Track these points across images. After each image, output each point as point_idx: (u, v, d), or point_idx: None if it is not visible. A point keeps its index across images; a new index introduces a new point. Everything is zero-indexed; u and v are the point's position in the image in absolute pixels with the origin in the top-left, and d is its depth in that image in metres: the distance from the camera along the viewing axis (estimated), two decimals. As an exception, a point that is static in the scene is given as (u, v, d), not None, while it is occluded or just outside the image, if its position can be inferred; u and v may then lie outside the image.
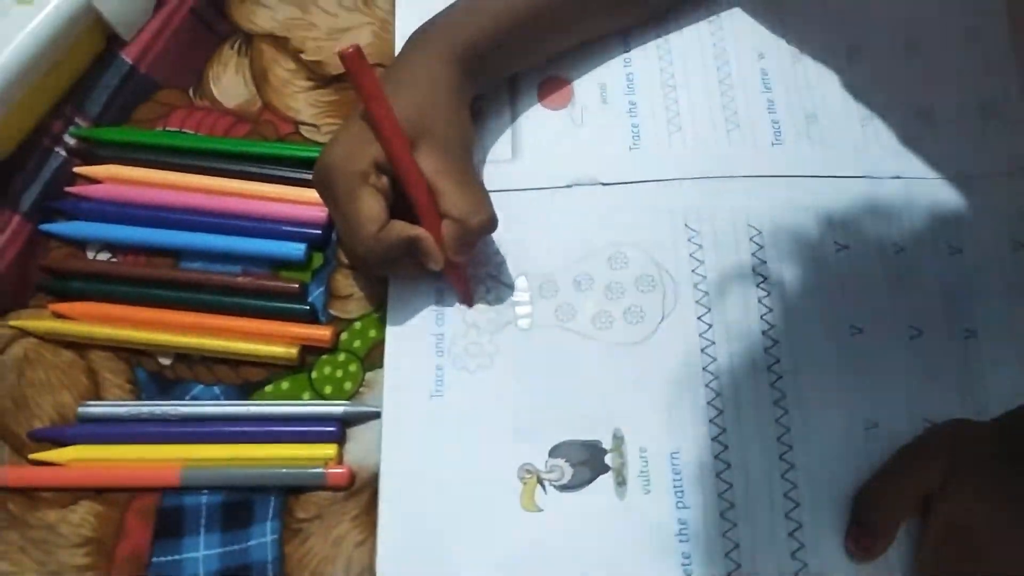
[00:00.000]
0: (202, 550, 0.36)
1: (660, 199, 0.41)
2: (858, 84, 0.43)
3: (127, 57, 0.45)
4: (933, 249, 0.39)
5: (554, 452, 0.36)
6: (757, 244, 0.39)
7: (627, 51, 0.44)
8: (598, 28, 0.43)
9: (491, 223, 0.36)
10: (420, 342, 0.38)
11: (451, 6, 0.39)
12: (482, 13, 0.38)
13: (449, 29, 0.38)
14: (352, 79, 0.33)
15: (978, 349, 0.37)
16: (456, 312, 0.39)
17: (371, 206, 0.35)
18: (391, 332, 0.39)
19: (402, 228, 0.35)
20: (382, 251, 0.35)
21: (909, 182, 0.40)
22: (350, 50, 0.33)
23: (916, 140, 0.41)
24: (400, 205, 0.36)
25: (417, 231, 0.35)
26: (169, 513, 0.37)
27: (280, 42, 0.46)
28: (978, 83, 0.42)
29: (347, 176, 0.35)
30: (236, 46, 0.46)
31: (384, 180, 0.35)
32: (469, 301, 0.39)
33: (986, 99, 0.42)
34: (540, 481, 0.36)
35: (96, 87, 0.44)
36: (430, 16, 0.39)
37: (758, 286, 0.39)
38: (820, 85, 0.43)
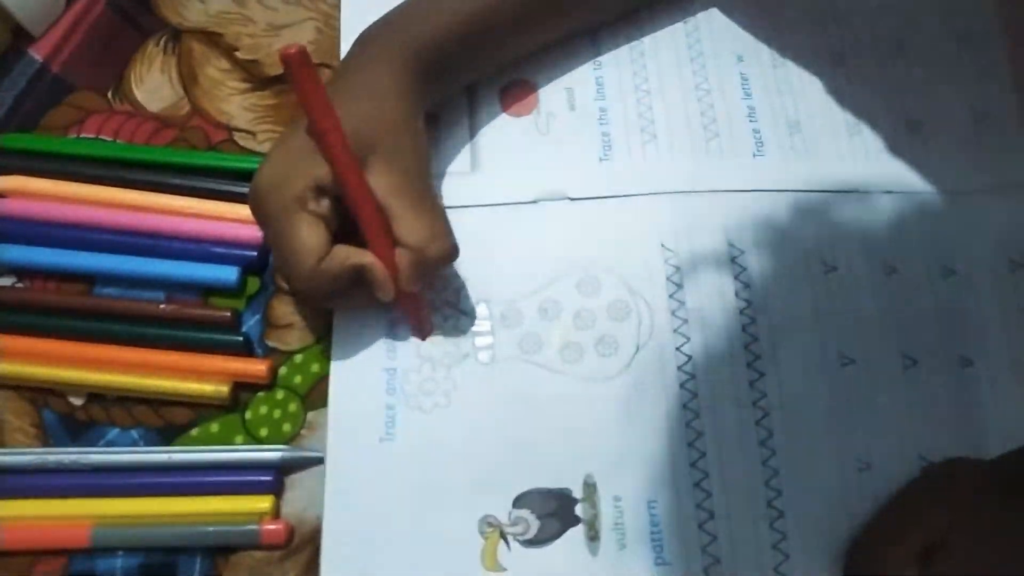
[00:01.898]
0: (117, 621, 0.33)
1: (633, 216, 0.39)
2: (843, 91, 0.41)
3: (36, 54, 0.42)
4: (926, 270, 0.38)
5: (518, 502, 0.34)
6: (740, 266, 0.38)
7: (597, 53, 0.43)
8: (566, 25, 0.41)
9: (451, 253, 0.34)
10: (369, 378, 0.36)
11: (403, 4, 0.37)
12: (437, 11, 0.36)
13: (402, 29, 0.36)
14: (294, 84, 0.31)
15: (975, 379, 0.36)
16: (410, 344, 0.37)
17: (309, 236, 0.32)
18: (336, 366, 0.36)
19: (347, 255, 0.33)
20: (324, 284, 0.33)
21: (899, 197, 0.39)
22: (293, 50, 0.30)
23: (906, 152, 0.40)
24: (346, 229, 0.34)
25: (364, 258, 0.33)
26: (78, 579, 0.34)
27: (212, 39, 0.43)
28: (970, 91, 0.41)
29: (282, 202, 0.33)
30: (162, 43, 0.44)
31: (325, 204, 0.33)
32: (424, 333, 0.37)
33: (979, 109, 0.41)
34: (503, 535, 0.33)
35: (0, 88, 0.41)
36: (378, 10, 0.37)
37: (741, 312, 0.37)
38: (803, 91, 0.42)
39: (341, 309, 0.37)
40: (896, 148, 0.40)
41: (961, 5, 0.43)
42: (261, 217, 0.34)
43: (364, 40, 0.37)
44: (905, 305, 0.37)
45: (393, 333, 0.37)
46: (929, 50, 0.42)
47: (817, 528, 0.34)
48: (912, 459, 0.35)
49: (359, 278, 0.34)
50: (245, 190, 0.39)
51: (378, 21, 0.37)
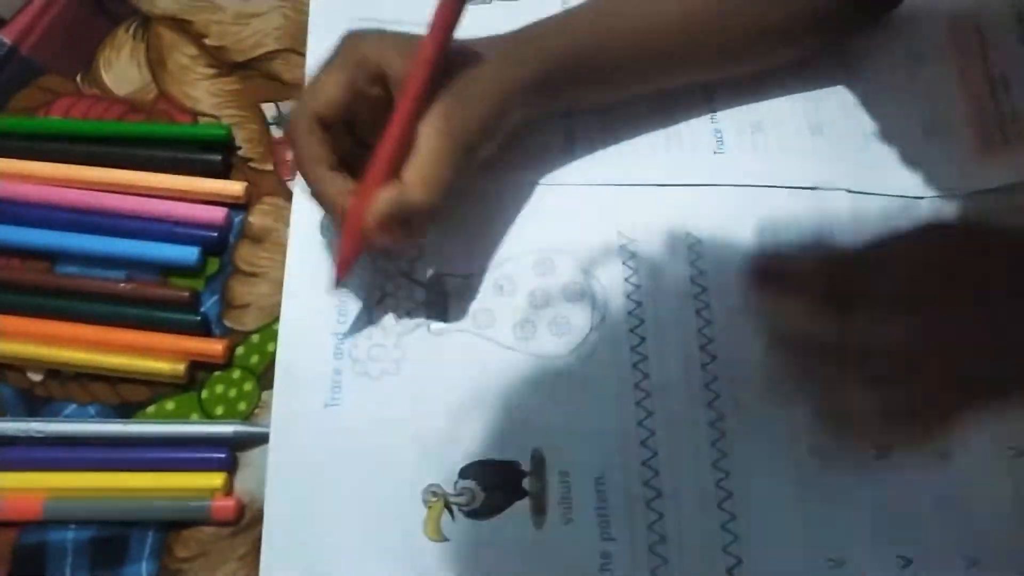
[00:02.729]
0: (66, 593, 0.34)
1: (593, 203, 0.40)
2: (806, 98, 0.43)
3: (6, 38, 0.44)
4: None
5: (464, 473, 0.35)
6: (696, 253, 0.39)
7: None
8: (686, 77, 0.42)
9: (430, 205, 0.33)
10: (316, 342, 0.37)
11: (538, 22, 0.39)
12: (570, 34, 0.38)
13: (541, 39, 0.38)
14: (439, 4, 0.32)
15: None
16: (360, 310, 0.38)
17: (330, 88, 0.34)
18: (284, 330, 0.37)
19: (324, 179, 0.34)
20: (302, 144, 0.34)
21: (858, 197, 0.40)
22: None
23: (864, 156, 0.41)
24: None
25: (333, 188, 0.34)
26: (29, 551, 0.35)
27: (182, 26, 0.45)
28: (921, 105, 0.42)
29: (345, 50, 0.35)
30: (132, 29, 0.45)
31: (367, 90, 0.34)
32: (338, 277, 0.36)
33: (930, 123, 0.42)
34: (447, 506, 0.34)
35: (-31, 71, 0.43)
36: None
37: (696, 297, 0.38)
38: (767, 90, 0.43)
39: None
40: (856, 152, 0.41)
41: (914, 29, 0.44)
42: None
43: (497, 38, 0.37)
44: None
45: (344, 297, 0.38)
46: (885, 68, 0.43)
47: (770, 511, 0.34)
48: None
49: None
50: (211, 158, 0.41)
51: (513, 32, 0.38)
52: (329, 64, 0.35)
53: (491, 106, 0.35)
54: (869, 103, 0.43)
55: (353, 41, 0.35)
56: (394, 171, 0.33)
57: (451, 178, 0.34)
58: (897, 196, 0.41)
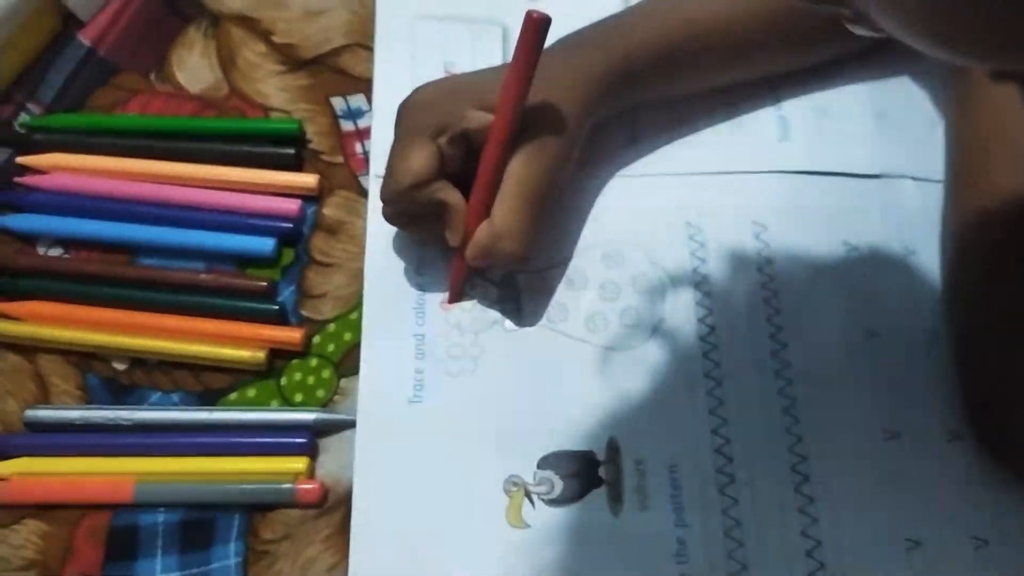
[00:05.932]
0: (158, 574, 0.35)
1: (660, 194, 0.40)
2: (872, 82, 0.42)
3: (85, 39, 0.44)
4: None
5: (543, 463, 0.35)
6: (763, 242, 0.39)
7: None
8: (749, 72, 0.42)
9: (517, 258, 0.35)
10: (399, 343, 0.37)
11: (605, 20, 0.39)
12: (631, 37, 0.38)
13: (601, 45, 0.38)
14: (519, 42, 0.33)
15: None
16: (438, 311, 0.38)
17: (419, 161, 0.34)
18: (367, 332, 0.38)
19: (440, 188, 0.35)
20: (407, 205, 0.35)
21: (924, 184, 0.40)
22: (537, 15, 0.32)
23: (930, 143, 0.40)
24: (460, 177, 0.36)
25: (452, 198, 0.35)
26: (122, 533, 0.36)
27: (250, 24, 0.45)
28: None
29: (419, 122, 0.35)
30: (203, 28, 0.46)
31: (454, 147, 0.35)
32: (451, 298, 0.38)
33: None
34: (527, 495, 0.35)
35: (51, 71, 0.44)
36: None
37: (763, 286, 0.38)
38: (832, 79, 0.42)
39: (411, 234, 0.38)
40: (920, 139, 0.41)
41: None
42: (397, 126, 0.37)
43: (565, 43, 0.38)
44: (928, 285, 0.38)
45: (423, 300, 0.38)
46: None
47: (849, 493, 0.34)
48: (939, 429, 0.35)
49: (440, 213, 0.35)
50: (284, 151, 0.41)
51: (578, 32, 0.39)
52: (407, 139, 0.35)
53: (568, 141, 0.36)
54: (934, 88, 0.42)
55: (420, 108, 0.36)
56: (488, 209, 0.35)
57: (537, 225, 0.35)
58: None
